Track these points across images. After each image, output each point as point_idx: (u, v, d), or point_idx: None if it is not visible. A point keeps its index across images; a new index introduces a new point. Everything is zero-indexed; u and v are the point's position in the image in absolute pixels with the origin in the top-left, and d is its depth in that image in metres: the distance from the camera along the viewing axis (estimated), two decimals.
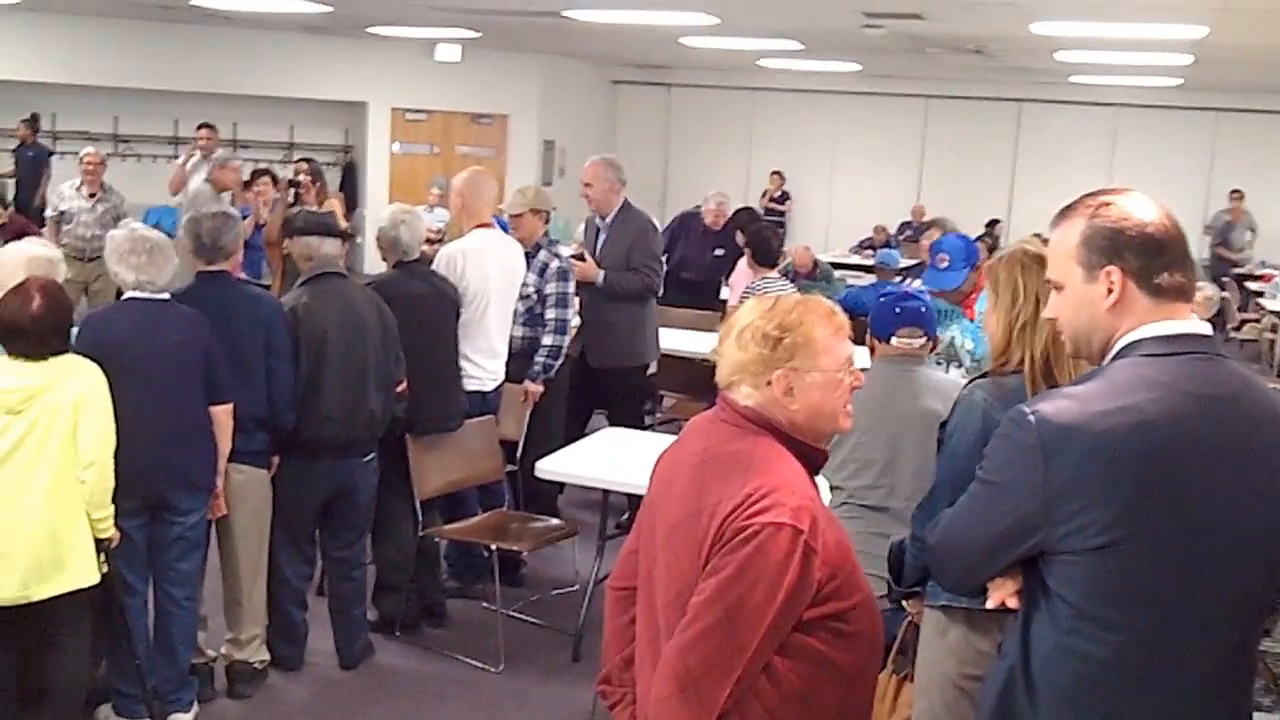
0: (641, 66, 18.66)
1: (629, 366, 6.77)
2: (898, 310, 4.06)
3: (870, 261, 12.65)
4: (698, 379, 7.53)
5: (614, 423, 6.57)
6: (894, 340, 4.02)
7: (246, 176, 9.68)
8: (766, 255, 7.07)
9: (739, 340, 2.38)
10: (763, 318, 2.38)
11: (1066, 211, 2.25)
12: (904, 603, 3.23)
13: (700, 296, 9.21)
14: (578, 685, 4.96)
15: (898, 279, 9.58)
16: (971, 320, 4.95)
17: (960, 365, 4.92)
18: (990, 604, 2.26)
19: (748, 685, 2.25)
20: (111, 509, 3.96)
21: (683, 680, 2.24)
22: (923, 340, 4.06)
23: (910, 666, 3.26)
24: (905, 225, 16.14)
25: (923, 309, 4.14)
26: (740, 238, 7.93)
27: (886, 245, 13.55)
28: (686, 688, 2.24)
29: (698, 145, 18.55)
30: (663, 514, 2.42)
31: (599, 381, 6.70)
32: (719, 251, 9.47)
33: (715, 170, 16.92)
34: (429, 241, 7.37)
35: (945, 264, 4.96)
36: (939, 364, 5.15)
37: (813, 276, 10.96)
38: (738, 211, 9.67)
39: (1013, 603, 2.23)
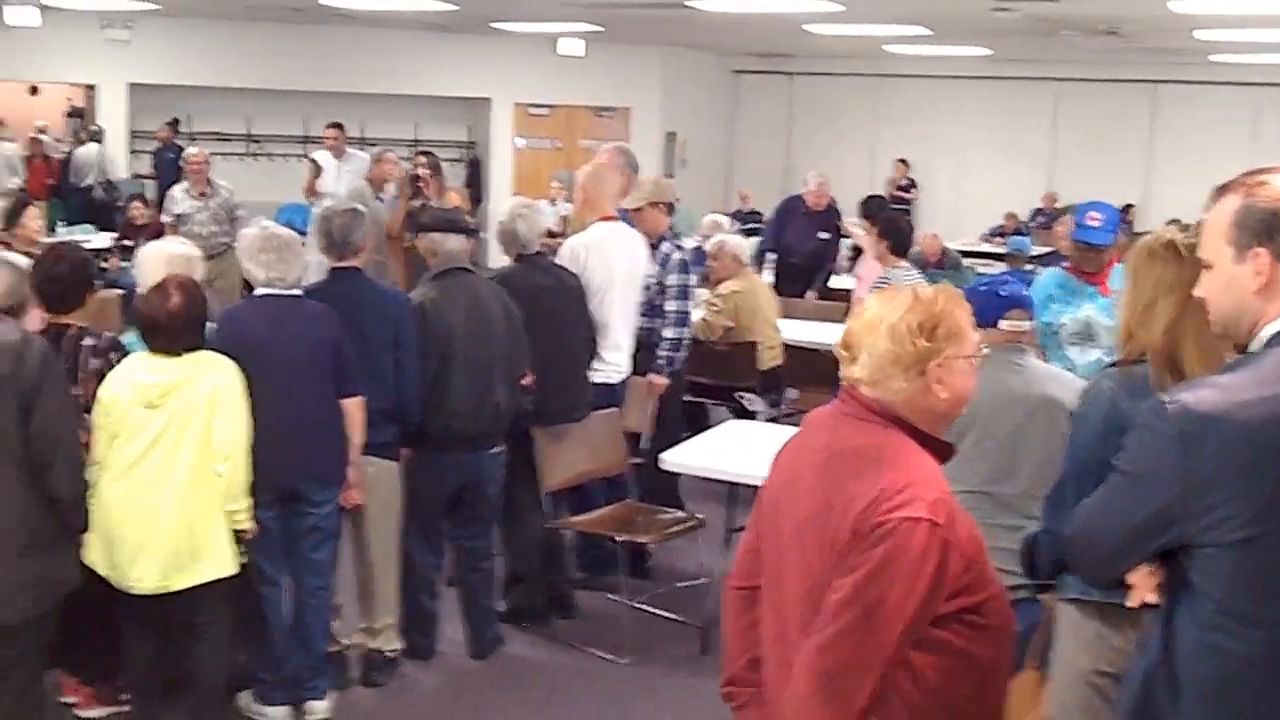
0: (764, 55, 18.55)
1: None
2: (1001, 294, 3.95)
3: (1001, 249, 12.42)
4: (825, 371, 7.45)
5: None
6: (1001, 324, 3.91)
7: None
8: (901, 244, 6.95)
9: (892, 335, 2.32)
10: (913, 310, 2.33)
11: (1223, 189, 2.18)
12: (1040, 596, 3.16)
13: (806, 282, 9.12)
14: (705, 678, 4.93)
15: (1029, 267, 9.40)
16: (1105, 297, 4.82)
17: (1097, 345, 4.79)
18: (1131, 602, 2.20)
19: (887, 682, 2.22)
20: (248, 501, 4.04)
21: (823, 679, 2.22)
22: (1030, 324, 3.93)
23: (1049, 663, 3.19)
24: (1037, 212, 15.83)
25: (1025, 291, 4.04)
26: (866, 227, 7.80)
27: (1018, 232, 13.29)
28: (826, 686, 2.22)
29: (821, 134, 18.38)
30: (789, 510, 2.39)
31: None
32: (823, 235, 9.37)
33: (839, 159, 16.75)
34: (551, 235, 7.44)
35: (1097, 222, 4.89)
36: (1074, 344, 5.03)
37: (941, 265, 10.78)
38: (868, 199, 9.55)
39: (1152, 599, 2.16)
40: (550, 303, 5.29)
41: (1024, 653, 3.17)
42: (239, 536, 4.05)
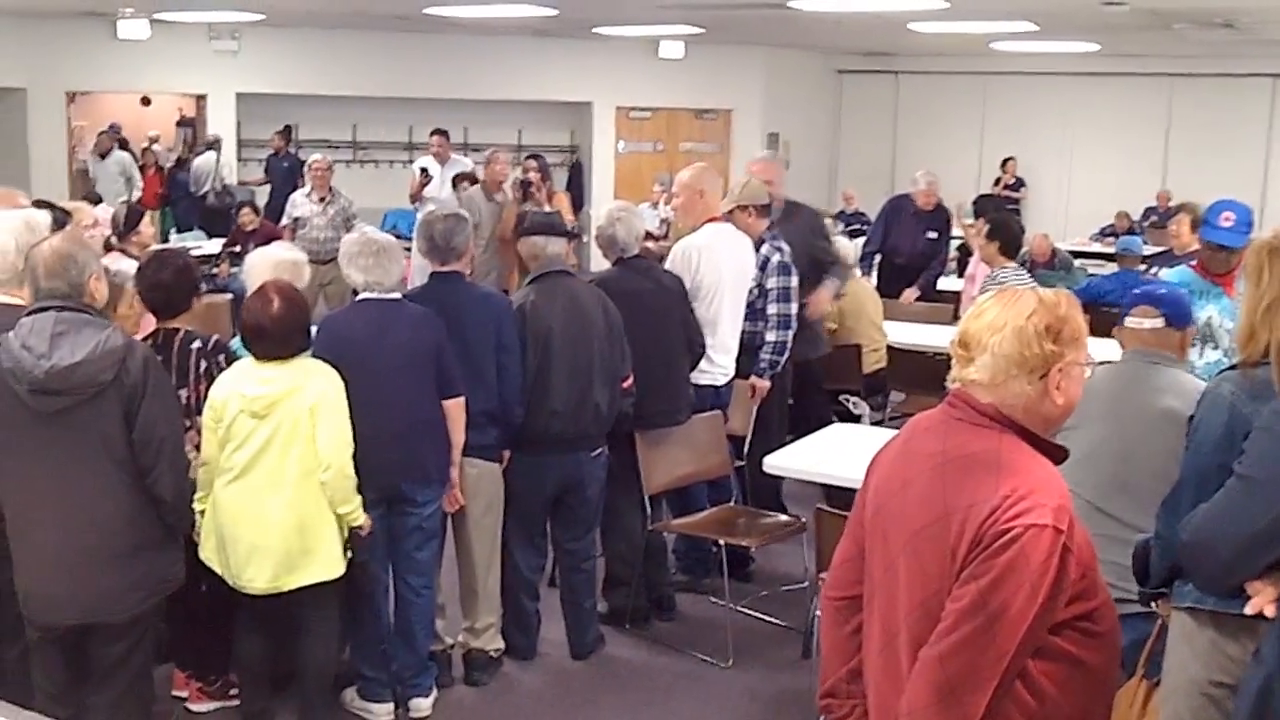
0: (867, 55, 18.37)
1: (809, 359, 6.56)
2: (1137, 291, 3.87)
3: (1112, 249, 12.13)
4: (930, 374, 7.35)
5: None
6: (1126, 321, 3.82)
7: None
8: (1011, 245, 6.85)
9: (1018, 337, 2.27)
10: (1038, 313, 2.28)
11: None
12: (1154, 604, 3.07)
13: (910, 283, 8.97)
14: (807, 682, 4.90)
15: (1142, 267, 9.17)
16: (1231, 298, 4.68)
17: (1216, 346, 4.64)
18: (1249, 610, 2.13)
19: (1004, 691, 2.19)
20: (358, 500, 4.10)
21: (942, 689, 2.19)
22: (1157, 323, 3.78)
23: (1159, 672, 3.10)
24: (1150, 211, 15.44)
25: (1162, 290, 3.91)
26: (977, 227, 7.67)
27: (1130, 232, 12.98)
28: (946, 697, 2.19)
29: (926, 133, 18.13)
30: (899, 519, 2.35)
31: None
32: (931, 234, 9.22)
33: (945, 158, 16.49)
34: (651, 238, 7.44)
35: (1230, 222, 4.76)
36: (1192, 344, 4.88)
37: (1051, 266, 10.57)
38: (980, 199, 9.41)
39: (1270, 611, 2.09)
40: (649, 305, 5.28)
41: (1128, 664, 3.09)
42: (353, 535, 4.10)
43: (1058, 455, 2.34)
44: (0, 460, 3.50)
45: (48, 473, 3.48)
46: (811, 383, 6.75)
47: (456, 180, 9.95)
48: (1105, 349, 3.68)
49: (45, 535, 3.51)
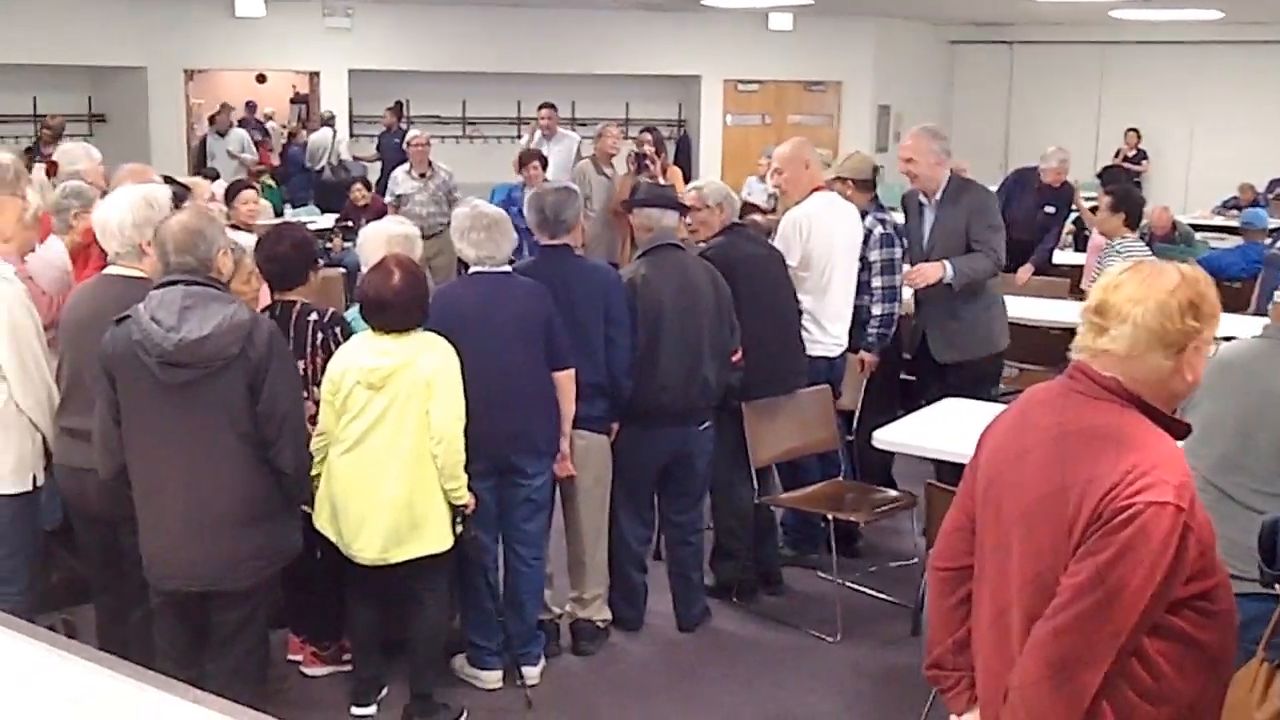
0: (981, 25, 18.03)
1: (981, 358, 5.93)
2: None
3: (1235, 223, 11.78)
4: (1045, 348, 7.22)
5: None
6: (1276, 296, 3.68)
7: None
8: (1135, 217, 6.74)
9: (1162, 311, 2.23)
10: (1181, 288, 2.25)
11: None
12: (1278, 585, 2.98)
13: (1025, 258, 8.75)
14: (916, 658, 4.85)
15: (1267, 241, 8.89)
16: None
17: None
18: None
19: (1119, 668, 2.17)
20: (464, 478, 4.13)
21: (1055, 664, 2.18)
22: None
23: None
24: (1275, 183, 14.94)
25: None
26: (1100, 199, 7.48)
27: (1254, 204, 12.59)
28: (1059, 672, 2.18)
29: (1042, 105, 17.75)
30: (1013, 491, 2.32)
31: (943, 377, 5.90)
32: (1049, 209, 9.01)
33: (1062, 131, 16.09)
34: (760, 211, 7.39)
35: None
36: None
37: (1171, 239, 10.30)
38: (1106, 170, 9.16)
39: None
40: (764, 270, 5.29)
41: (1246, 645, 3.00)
42: (457, 510, 4.15)
43: (1180, 431, 2.31)
44: (129, 430, 3.60)
45: (174, 443, 3.56)
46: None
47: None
48: (1227, 325, 3.56)
49: (170, 503, 3.60)
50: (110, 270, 3.95)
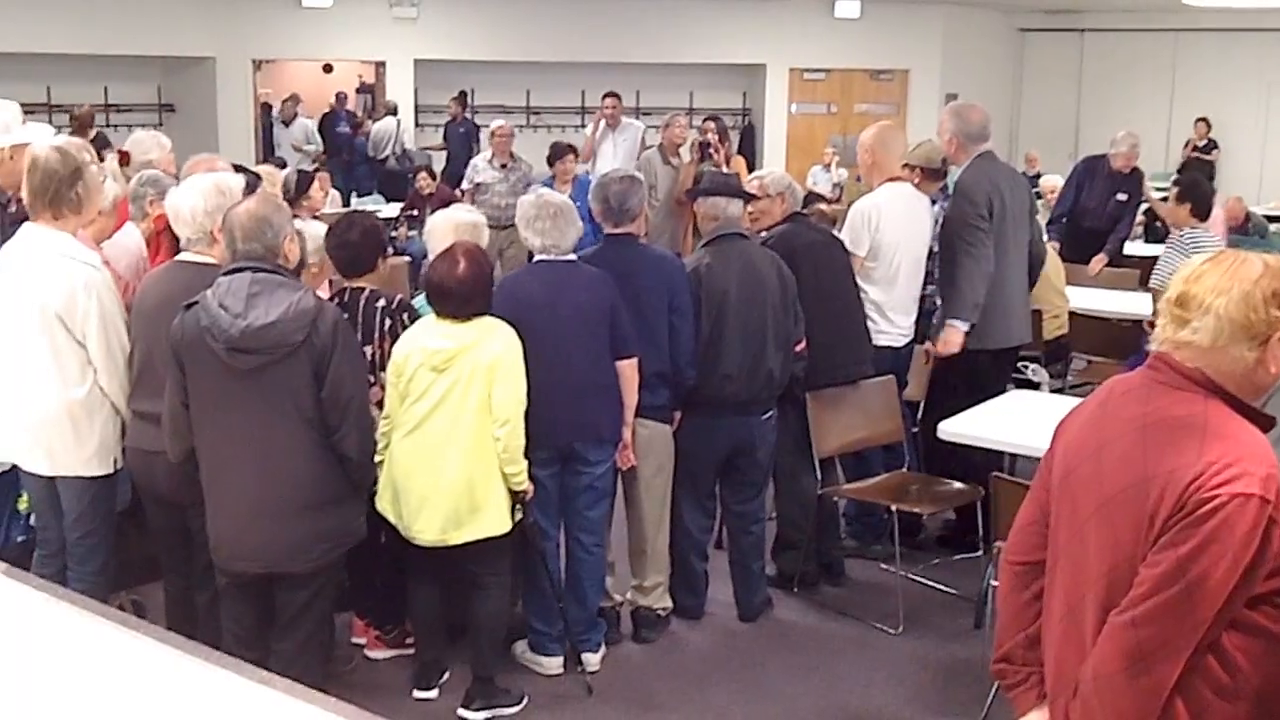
0: (1051, 12, 17.79)
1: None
2: None
3: None
4: (1115, 340, 7.13)
5: None
6: None
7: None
8: (1203, 207, 6.61)
9: (1246, 301, 2.18)
10: (1265, 277, 2.20)
11: None
12: None
13: (1096, 248, 8.61)
14: (979, 652, 4.81)
15: None
16: None
17: None
18: None
19: (1194, 663, 2.13)
20: (524, 464, 4.15)
21: (1133, 657, 2.15)
22: None
23: None
24: None
25: None
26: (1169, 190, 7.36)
27: None
28: (1136, 664, 2.15)
29: (1113, 94, 17.47)
30: (1091, 483, 2.29)
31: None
32: (1121, 196, 8.86)
33: (1133, 119, 15.78)
34: (824, 201, 7.35)
35: None
36: None
37: (1244, 230, 10.11)
38: (1186, 162, 8.97)
39: None
40: (827, 257, 5.26)
41: None
42: (517, 496, 4.17)
43: (1265, 423, 2.25)
44: (197, 415, 3.64)
45: (241, 427, 3.61)
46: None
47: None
48: None
49: (237, 487, 3.64)
50: (182, 257, 4.01)
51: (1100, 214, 8.76)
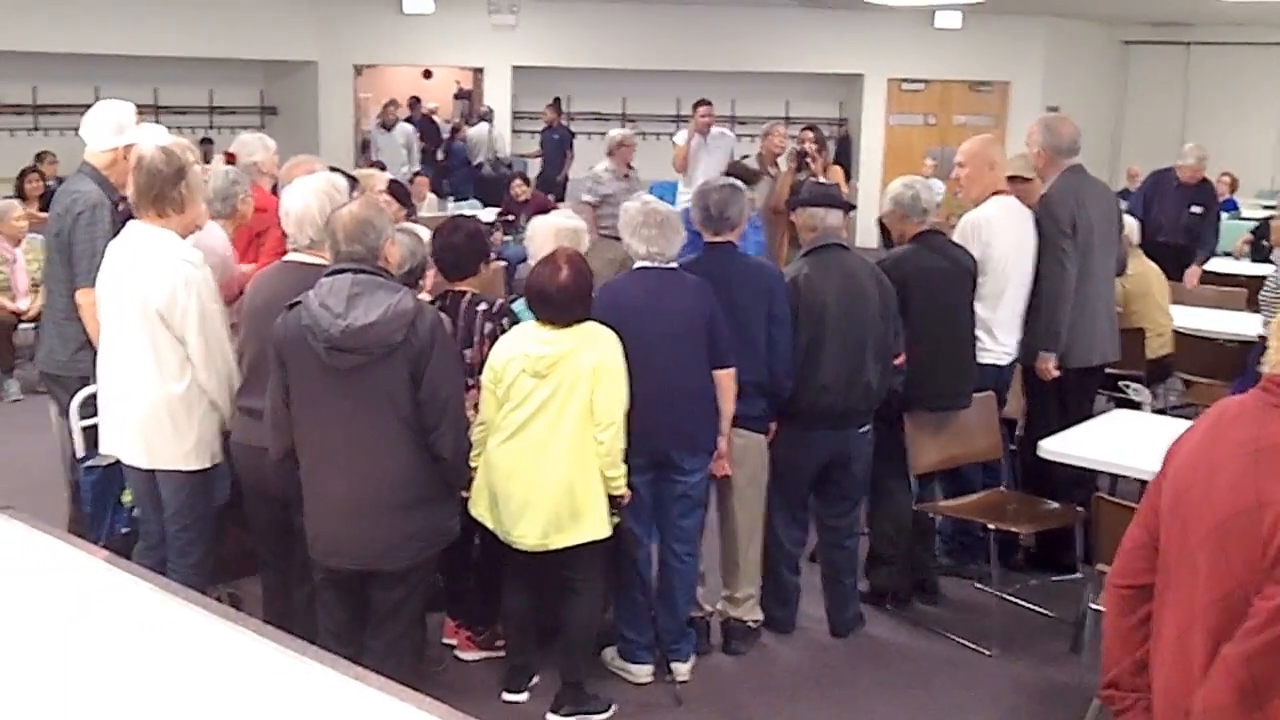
0: (1157, 25, 17.45)
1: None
2: None
3: None
4: (1220, 362, 6.95)
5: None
6: None
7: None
8: None
9: None
10: None
11: None
12: None
13: (1176, 263, 8.33)
14: (1076, 676, 4.70)
15: None
16: None
17: None
18: None
19: None
20: (624, 468, 4.15)
21: (1246, 690, 2.08)
22: None
23: None
24: None
25: None
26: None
27: None
28: (1249, 698, 2.08)
29: (1220, 108, 17.09)
30: (1203, 508, 2.22)
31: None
32: (1195, 209, 8.65)
33: (1241, 134, 15.57)
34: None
35: None
36: None
37: None
38: None
39: None
40: (943, 286, 5.15)
41: None
42: (613, 501, 4.16)
43: None
44: (298, 412, 3.69)
45: (340, 426, 3.64)
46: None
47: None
48: None
49: (334, 484, 3.68)
50: (291, 257, 4.07)
51: (1175, 228, 8.57)
